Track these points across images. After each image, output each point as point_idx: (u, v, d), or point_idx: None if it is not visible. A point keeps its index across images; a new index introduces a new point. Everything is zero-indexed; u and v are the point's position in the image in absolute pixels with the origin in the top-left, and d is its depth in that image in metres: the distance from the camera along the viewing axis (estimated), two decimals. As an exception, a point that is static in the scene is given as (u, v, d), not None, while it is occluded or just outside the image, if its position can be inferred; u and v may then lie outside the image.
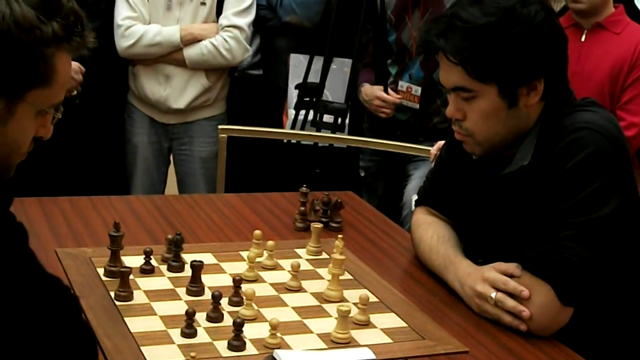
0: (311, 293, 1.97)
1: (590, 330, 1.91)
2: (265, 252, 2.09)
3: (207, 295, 1.87)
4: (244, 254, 2.07)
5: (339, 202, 2.37)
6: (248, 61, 3.88)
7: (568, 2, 3.40)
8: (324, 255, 2.16)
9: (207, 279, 1.95)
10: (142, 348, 1.66)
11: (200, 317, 1.78)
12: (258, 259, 2.05)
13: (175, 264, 2.00)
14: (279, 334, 1.73)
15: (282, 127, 3.86)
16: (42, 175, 3.28)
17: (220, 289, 1.83)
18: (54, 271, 1.42)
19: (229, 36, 3.53)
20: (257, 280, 2.00)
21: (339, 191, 2.61)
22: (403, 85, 3.61)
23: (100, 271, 1.95)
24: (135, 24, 3.51)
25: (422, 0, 3.53)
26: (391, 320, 1.88)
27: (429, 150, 2.69)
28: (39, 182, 3.07)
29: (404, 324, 1.87)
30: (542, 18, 1.88)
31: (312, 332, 1.80)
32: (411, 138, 3.55)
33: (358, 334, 1.80)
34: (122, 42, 3.51)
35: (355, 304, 1.89)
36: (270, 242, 2.09)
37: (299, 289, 1.98)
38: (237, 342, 1.69)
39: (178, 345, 1.69)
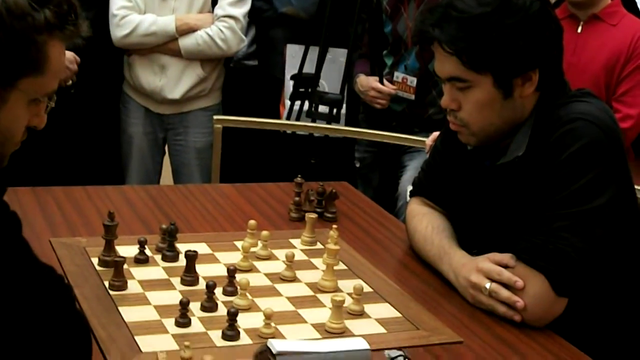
0: (305, 283, 1.97)
1: (585, 320, 1.91)
2: (259, 242, 2.08)
3: (202, 285, 1.87)
4: (239, 244, 2.07)
5: (333, 192, 2.37)
6: (243, 52, 3.87)
7: (564, -6, 3.40)
8: (319, 246, 2.16)
9: (202, 269, 1.95)
10: (136, 337, 1.66)
11: (195, 306, 1.78)
12: (252, 249, 2.05)
13: (170, 254, 2.00)
14: (273, 324, 1.73)
15: (279, 117, 3.86)
16: (37, 165, 3.28)
17: (215, 278, 1.84)
18: (48, 261, 1.42)
19: (225, 26, 3.52)
20: (251, 270, 2.00)
21: (334, 182, 2.61)
22: (399, 76, 3.60)
23: (95, 261, 1.95)
24: (131, 13, 3.50)
25: (417, -9, 3.53)
26: (385, 310, 1.88)
27: (425, 141, 2.69)
28: (34, 171, 3.07)
29: (399, 314, 1.87)
30: (537, 8, 1.88)
31: (306, 322, 1.80)
32: (406, 129, 3.54)
33: (352, 324, 1.80)
34: (118, 32, 3.50)
35: (349, 294, 1.88)
36: (264, 232, 2.08)
37: (294, 279, 1.98)
38: (231, 332, 1.69)
39: (172, 334, 1.69)
